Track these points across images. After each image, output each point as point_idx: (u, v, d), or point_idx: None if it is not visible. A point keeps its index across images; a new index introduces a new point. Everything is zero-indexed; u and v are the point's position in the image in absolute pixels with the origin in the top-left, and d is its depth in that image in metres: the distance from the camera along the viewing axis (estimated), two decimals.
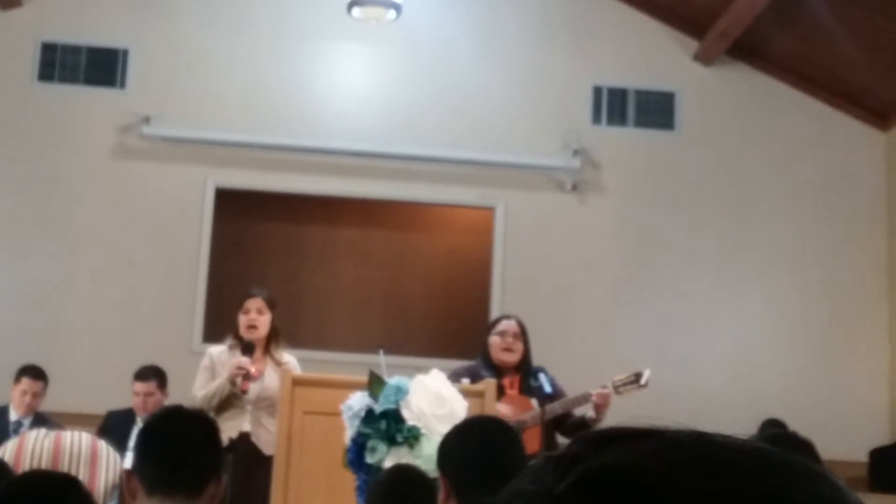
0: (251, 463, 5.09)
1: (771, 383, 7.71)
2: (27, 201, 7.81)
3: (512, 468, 2.48)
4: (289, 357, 5.51)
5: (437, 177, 8.12)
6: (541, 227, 8.11)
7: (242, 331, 5.45)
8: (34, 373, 6.45)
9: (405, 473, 2.99)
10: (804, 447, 2.87)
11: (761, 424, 6.56)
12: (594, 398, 5.20)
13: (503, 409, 4.97)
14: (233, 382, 5.28)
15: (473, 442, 2.61)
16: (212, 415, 4.73)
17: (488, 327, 5.60)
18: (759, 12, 7.41)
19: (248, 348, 5.39)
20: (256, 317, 5.45)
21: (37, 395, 6.43)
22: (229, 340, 5.54)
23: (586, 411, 5.33)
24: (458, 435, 2.67)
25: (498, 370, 5.23)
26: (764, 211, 8.23)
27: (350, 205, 8.41)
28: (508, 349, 5.30)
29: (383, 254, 8.76)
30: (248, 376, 5.26)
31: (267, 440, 5.13)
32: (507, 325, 5.39)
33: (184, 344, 7.54)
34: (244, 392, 5.27)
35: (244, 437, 5.28)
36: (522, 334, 5.36)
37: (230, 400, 5.31)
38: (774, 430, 3.06)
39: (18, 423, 6.31)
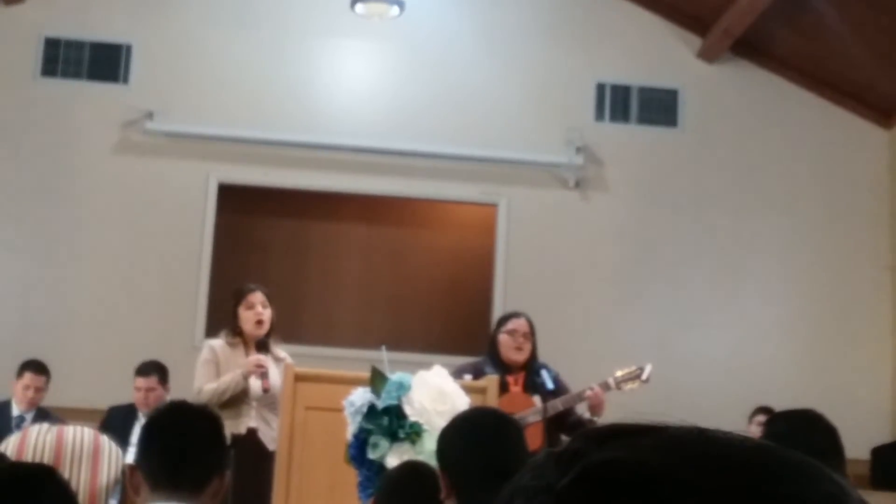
0: (257, 459, 5.09)
1: (772, 380, 7.70)
2: (30, 197, 7.81)
3: (511, 461, 2.46)
4: (283, 353, 5.52)
5: (439, 173, 8.11)
6: (543, 224, 8.11)
7: (249, 326, 5.44)
8: (36, 367, 6.45)
9: (415, 469, 2.98)
10: (830, 432, 2.87)
11: (752, 411, 6.58)
12: (587, 395, 5.20)
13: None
14: (245, 378, 5.28)
15: (471, 436, 2.57)
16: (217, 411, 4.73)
17: (497, 324, 5.57)
18: (762, 9, 7.40)
19: (262, 345, 5.41)
20: (262, 311, 5.45)
21: (39, 390, 6.43)
22: (228, 336, 5.51)
23: (584, 411, 5.33)
24: (454, 430, 2.63)
25: (504, 367, 5.23)
26: (766, 208, 8.23)
27: (353, 201, 8.41)
28: (519, 349, 5.29)
29: (386, 250, 8.76)
30: (264, 373, 5.29)
31: (271, 436, 5.13)
32: (518, 323, 5.37)
33: (186, 339, 7.55)
34: (266, 390, 5.27)
35: (251, 433, 5.28)
36: (532, 333, 5.36)
37: (237, 396, 5.30)
38: (799, 410, 3.04)
39: (21, 418, 6.31)
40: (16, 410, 6.41)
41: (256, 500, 4.82)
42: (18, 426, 5.93)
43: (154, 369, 6.35)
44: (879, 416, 7.94)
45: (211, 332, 7.09)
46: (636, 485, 0.55)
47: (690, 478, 0.56)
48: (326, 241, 8.73)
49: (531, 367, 5.29)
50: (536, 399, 5.18)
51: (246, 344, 5.48)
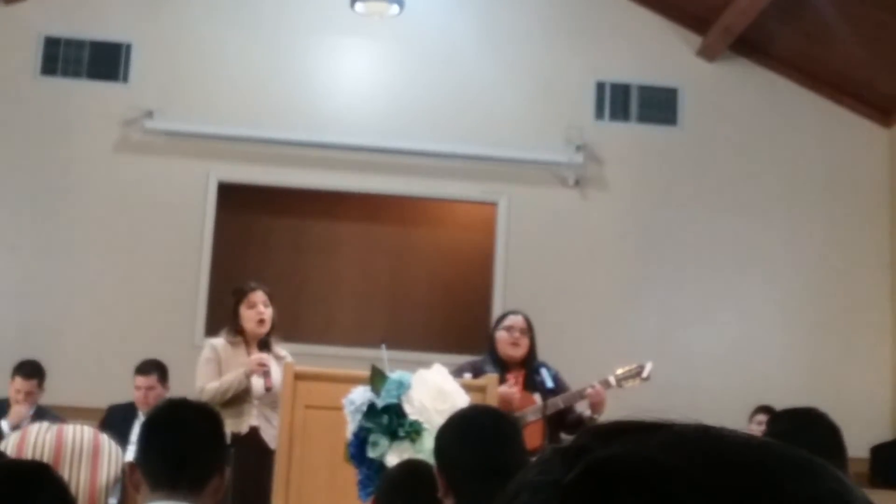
0: (259, 457, 5.09)
1: (772, 379, 7.70)
2: (30, 196, 7.81)
3: (509, 459, 2.46)
4: (284, 352, 5.52)
5: (439, 172, 8.11)
6: (543, 223, 8.11)
7: (252, 325, 5.44)
8: (26, 371, 6.32)
9: (415, 468, 2.97)
10: (832, 431, 2.87)
11: (753, 410, 6.57)
12: (588, 392, 5.20)
13: (502, 389, 4.95)
14: (247, 377, 5.29)
15: (468, 434, 2.56)
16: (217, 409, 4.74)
17: (495, 322, 5.59)
18: (762, 8, 7.40)
19: (264, 344, 5.42)
20: (264, 310, 5.45)
21: (30, 394, 6.29)
22: (229, 335, 5.51)
23: (584, 409, 5.33)
24: (452, 428, 2.62)
25: (503, 365, 5.23)
26: (766, 207, 8.23)
27: (353, 199, 8.41)
28: (515, 344, 5.30)
29: (386, 249, 8.76)
30: (266, 372, 5.30)
31: (273, 435, 5.13)
32: (514, 320, 5.39)
33: (186, 338, 7.55)
34: (268, 389, 5.28)
35: (254, 432, 5.28)
36: (529, 330, 5.37)
37: (238, 395, 5.30)
38: (802, 409, 3.04)
39: None
40: None
41: (259, 498, 4.82)
42: (18, 425, 5.91)
43: (154, 368, 6.33)
44: (879, 415, 7.94)
45: (211, 330, 7.09)
46: (642, 480, 0.55)
47: (696, 474, 0.56)
48: (326, 239, 8.73)
49: (531, 366, 5.29)
50: (536, 397, 5.18)
51: (247, 343, 5.49)
